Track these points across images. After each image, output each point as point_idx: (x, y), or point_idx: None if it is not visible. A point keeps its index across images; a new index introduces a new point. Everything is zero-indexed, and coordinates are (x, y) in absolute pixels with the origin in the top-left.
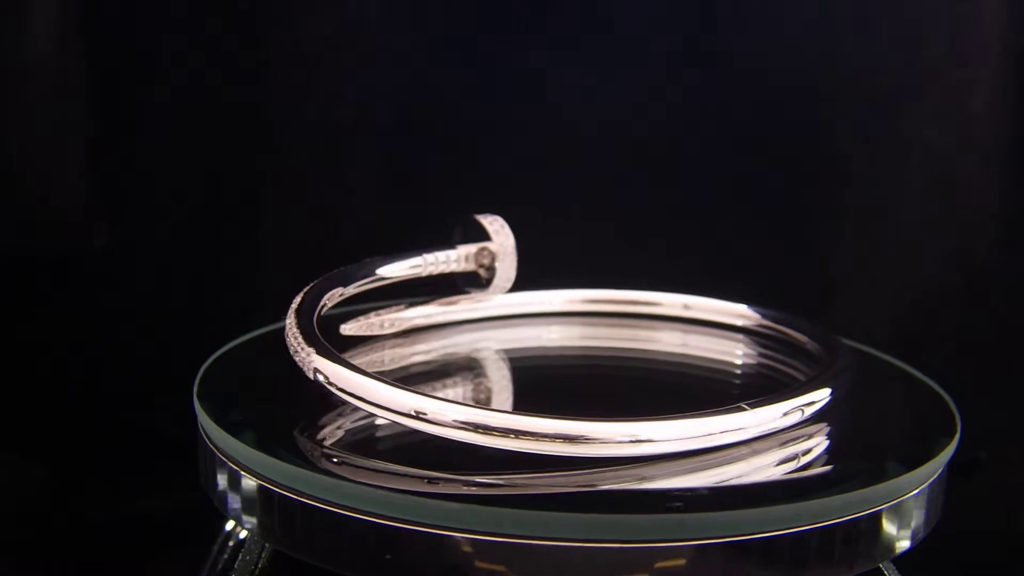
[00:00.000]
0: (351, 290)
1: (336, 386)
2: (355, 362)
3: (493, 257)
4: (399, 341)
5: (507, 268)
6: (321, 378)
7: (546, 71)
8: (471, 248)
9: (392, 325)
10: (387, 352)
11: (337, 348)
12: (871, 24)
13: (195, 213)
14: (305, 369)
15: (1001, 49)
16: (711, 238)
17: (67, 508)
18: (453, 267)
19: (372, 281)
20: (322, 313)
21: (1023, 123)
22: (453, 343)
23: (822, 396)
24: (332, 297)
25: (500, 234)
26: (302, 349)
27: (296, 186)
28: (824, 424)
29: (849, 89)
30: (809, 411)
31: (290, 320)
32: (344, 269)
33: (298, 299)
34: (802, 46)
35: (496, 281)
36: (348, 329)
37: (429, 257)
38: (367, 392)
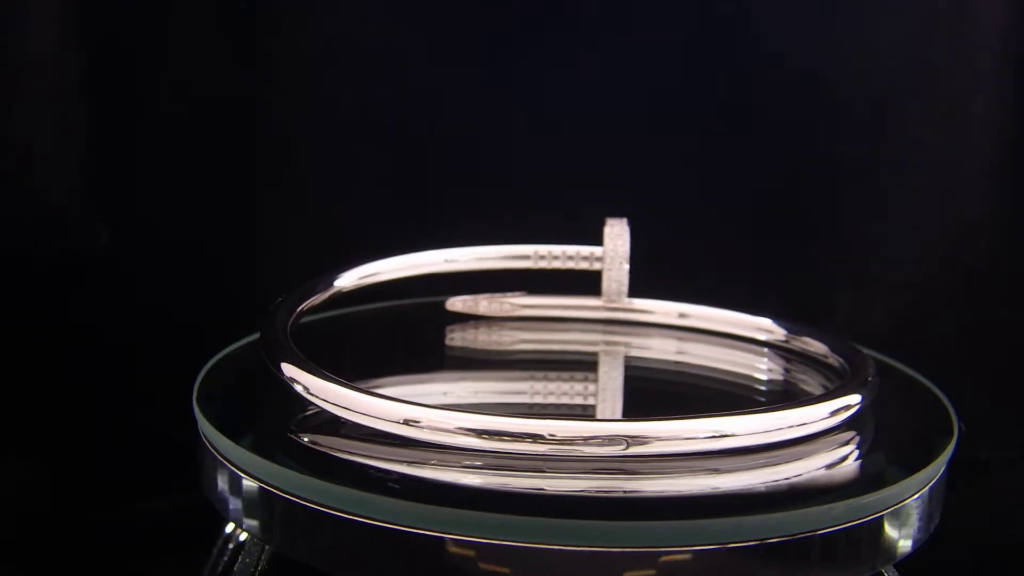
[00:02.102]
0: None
1: (318, 397)
2: (456, 336)
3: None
4: (506, 325)
5: (616, 273)
6: (299, 388)
7: (546, 71)
8: (582, 249)
9: (499, 308)
10: (480, 333)
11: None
12: (871, 25)
13: (196, 214)
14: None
15: (1000, 50)
16: (709, 239)
17: (67, 509)
18: (569, 264)
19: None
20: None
21: (1022, 124)
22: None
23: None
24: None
25: (613, 239)
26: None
27: (297, 187)
28: (853, 432)
29: (848, 90)
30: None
31: (264, 325)
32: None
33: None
34: (801, 47)
35: (605, 284)
36: (452, 305)
37: (542, 250)
38: (351, 403)
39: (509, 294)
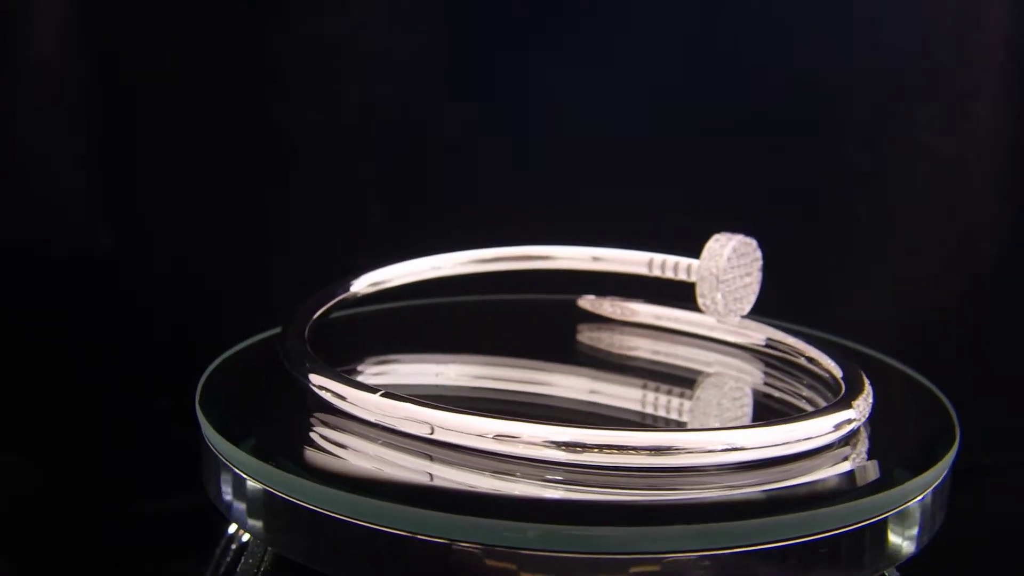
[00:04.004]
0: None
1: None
2: (585, 336)
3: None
4: (626, 330)
5: (707, 289)
6: (328, 395)
7: (546, 72)
8: (680, 260)
9: (620, 313)
10: (601, 335)
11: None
12: (876, 26)
13: (196, 215)
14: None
15: (1005, 53)
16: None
17: (67, 510)
18: (668, 274)
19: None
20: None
21: None
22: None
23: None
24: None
25: (711, 255)
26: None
27: (299, 188)
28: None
29: (853, 91)
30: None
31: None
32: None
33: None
34: (806, 48)
35: (700, 300)
36: (583, 304)
37: (657, 259)
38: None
39: (631, 300)
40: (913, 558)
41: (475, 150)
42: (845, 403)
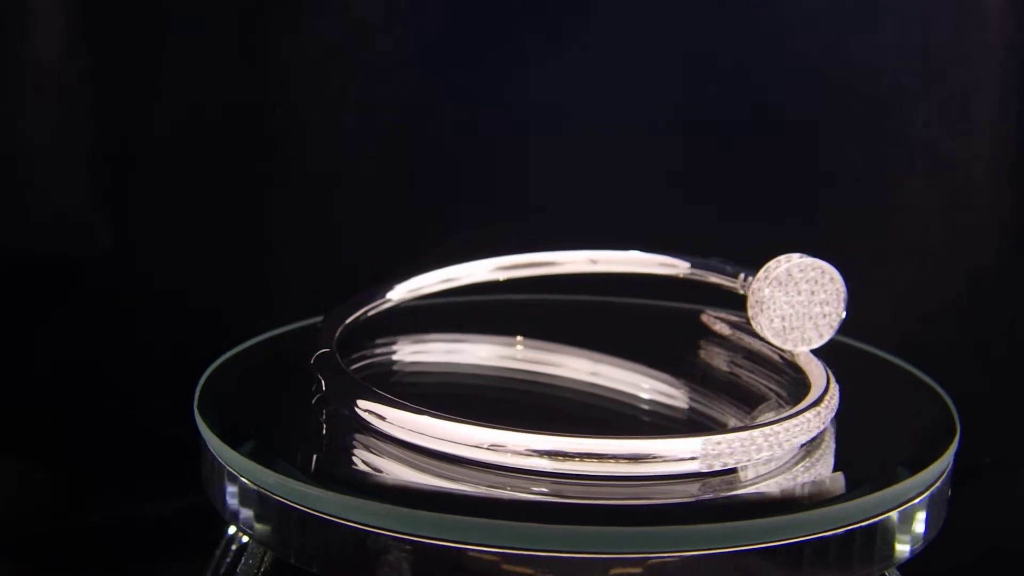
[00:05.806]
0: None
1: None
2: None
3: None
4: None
5: (754, 312)
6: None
7: (548, 73)
8: (750, 278)
9: (725, 329)
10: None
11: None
12: (875, 26)
13: (198, 217)
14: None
15: (1006, 53)
16: (709, 242)
17: (67, 509)
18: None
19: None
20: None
21: None
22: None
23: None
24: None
25: (765, 274)
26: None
27: (299, 190)
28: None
29: (852, 92)
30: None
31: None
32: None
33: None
34: (804, 47)
35: (751, 321)
36: (705, 318)
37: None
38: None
39: (737, 317)
40: (913, 558)
41: (475, 150)
42: (807, 409)
